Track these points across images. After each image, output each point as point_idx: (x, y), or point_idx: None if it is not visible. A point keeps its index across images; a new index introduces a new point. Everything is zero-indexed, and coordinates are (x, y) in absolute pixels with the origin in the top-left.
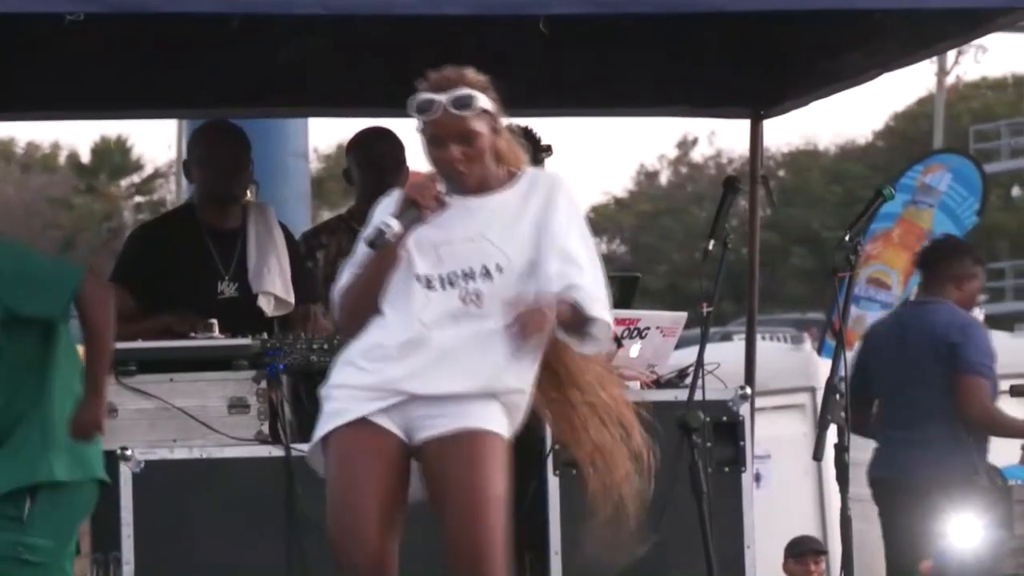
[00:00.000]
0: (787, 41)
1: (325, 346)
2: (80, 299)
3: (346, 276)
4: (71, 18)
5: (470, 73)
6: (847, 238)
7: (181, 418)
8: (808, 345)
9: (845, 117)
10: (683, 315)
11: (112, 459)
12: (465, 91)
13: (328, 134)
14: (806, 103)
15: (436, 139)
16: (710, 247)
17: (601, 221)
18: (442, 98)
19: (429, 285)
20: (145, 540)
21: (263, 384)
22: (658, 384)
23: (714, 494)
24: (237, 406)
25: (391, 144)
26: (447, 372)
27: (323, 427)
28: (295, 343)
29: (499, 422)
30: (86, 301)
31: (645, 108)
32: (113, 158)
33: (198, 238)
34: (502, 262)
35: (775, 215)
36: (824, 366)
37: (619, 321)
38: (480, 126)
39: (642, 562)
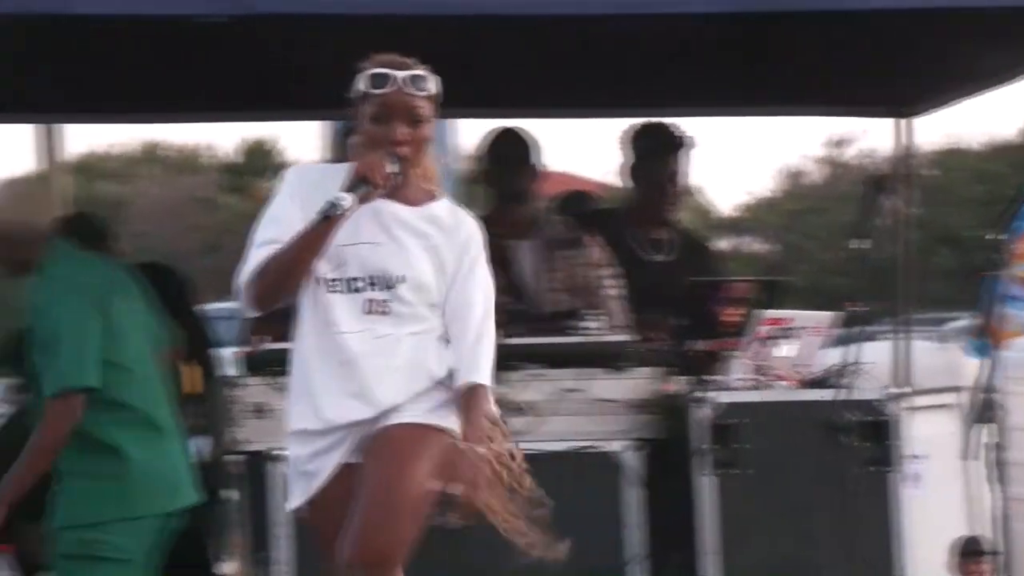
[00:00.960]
0: (934, 41)
1: None
2: (45, 405)
3: (264, 252)
4: (215, 21)
5: (414, 62)
6: (991, 237)
7: None
8: (954, 344)
9: (992, 116)
10: (831, 315)
11: (261, 459)
12: (423, 72)
13: (473, 134)
14: (952, 103)
15: (381, 114)
16: (855, 246)
17: (745, 220)
18: (399, 75)
19: (331, 288)
20: (300, 539)
21: None
22: (807, 384)
23: (862, 495)
24: None
25: (518, 143)
26: (378, 388)
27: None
28: None
29: (435, 411)
30: (46, 413)
31: (791, 107)
32: (259, 159)
33: None
34: (407, 275)
35: (920, 214)
36: (970, 365)
37: (768, 321)
38: (428, 111)
39: (791, 563)
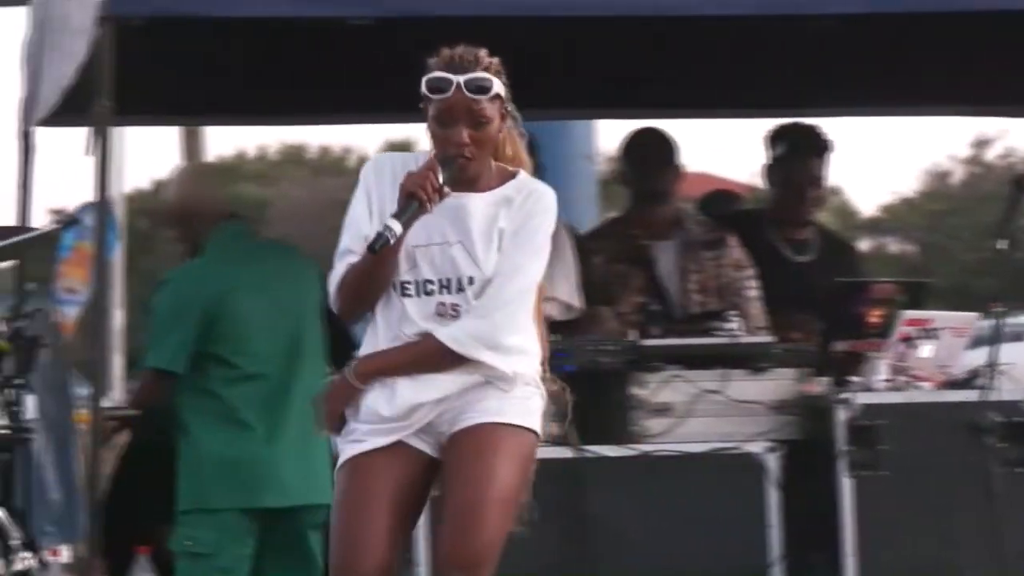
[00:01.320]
0: None
1: (613, 348)
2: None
3: (343, 265)
4: (358, 22)
5: (484, 54)
6: None
7: None
8: None
9: None
10: (974, 315)
11: None
12: (482, 74)
13: (615, 135)
14: None
15: (444, 117)
16: (999, 247)
17: (889, 221)
18: (458, 79)
19: (404, 291)
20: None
21: (553, 386)
22: (949, 385)
23: (1005, 496)
24: None
25: (659, 145)
26: (435, 381)
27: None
28: (583, 345)
29: (522, 410)
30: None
31: (934, 107)
32: None
33: None
34: (476, 276)
35: None
36: None
37: (911, 322)
38: (491, 111)
39: (932, 564)
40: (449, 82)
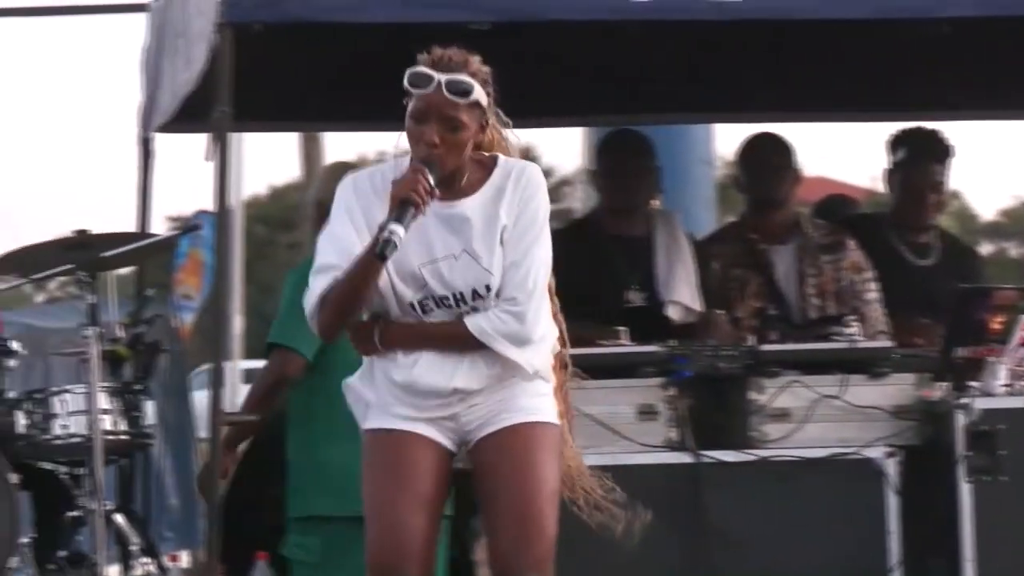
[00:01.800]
0: None
1: (732, 352)
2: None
3: (325, 280)
4: (475, 27)
5: (475, 61)
6: None
7: (591, 425)
8: None
9: None
10: None
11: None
12: (464, 77)
13: (733, 140)
14: None
15: (420, 114)
16: None
17: (1009, 225)
18: (439, 77)
19: (424, 310)
20: (556, 545)
21: (671, 391)
22: None
23: None
24: (646, 413)
25: (775, 150)
26: (459, 370)
27: (375, 422)
28: (702, 350)
29: (547, 406)
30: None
31: None
32: None
33: (605, 247)
34: (491, 282)
35: None
36: None
37: None
38: (468, 118)
39: None
40: (430, 79)
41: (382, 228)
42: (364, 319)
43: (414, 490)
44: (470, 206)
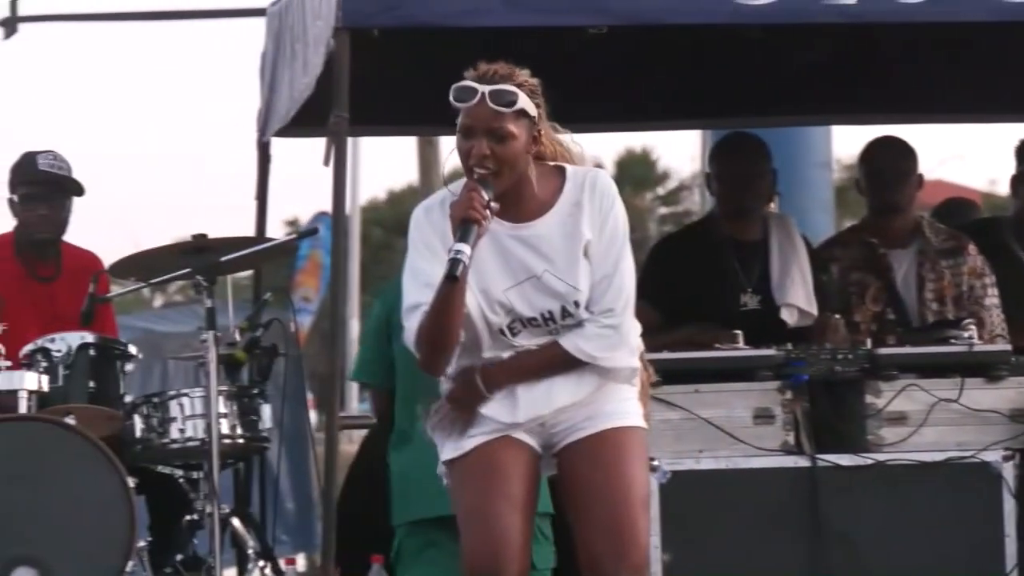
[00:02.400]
0: None
1: (849, 356)
2: None
3: (416, 318)
4: (593, 31)
5: (521, 73)
6: None
7: (706, 428)
8: None
9: None
10: None
11: None
12: (508, 87)
13: (851, 143)
14: None
15: (467, 129)
16: None
17: None
18: (483, 88)
19: (512, 333)
20: (671, 549)
21: (788, 394)
22: None
23: None
24: (762, 416)
25: (896, 155)
26: (562, 387)
27: (457, 444)
28: (818, 353)
29: (634, 409)
30: None
31: None
32: (638, 170)
33: (720, 250)
34: (579, 298)
35: None
36: None
37: None
38: (516, 128)
39: None
40: (474, 92)
41: (448, 251)
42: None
43: (508, 493)
44: (547, 224)
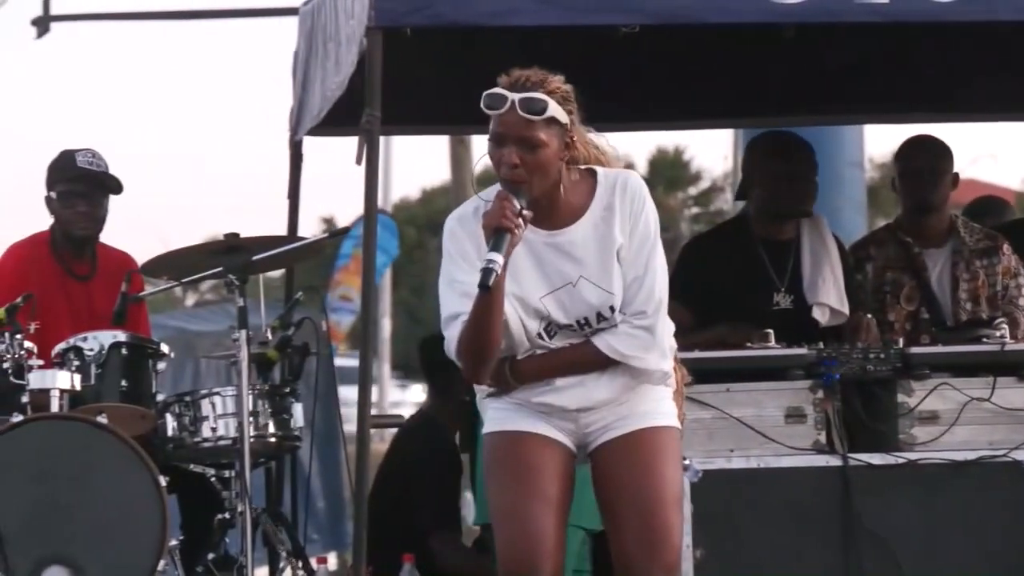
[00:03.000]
0: None
1: (881, 355)
2: None
3: (456, 327)
4: (625, 30)
5: (554, 80)
6: None
7: (738, 427)
8: None
9: None
10: None
11: None
12: (539, 95)
13: (884, 142)
14: None
15: (498, 137)
16: None
17: None
18: (513, 96)
19: (549, 335)
20: (703, 548)
21: (819, 394)
22: None
23: None
24: (793, 415)
25: (932, 154)
26: (598, 384)
27: (496, 426)
28: (850, 352)
29: (668, 410)
30: None
31: None
32: (670, 169)
33: (752, 249)
34: (614, 303)
35: None
36: None
37: None
38: (546, 136)
39: None
40: (504, 99)
41: (481, 261)
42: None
43: (543, 492)
44: (581, 230)
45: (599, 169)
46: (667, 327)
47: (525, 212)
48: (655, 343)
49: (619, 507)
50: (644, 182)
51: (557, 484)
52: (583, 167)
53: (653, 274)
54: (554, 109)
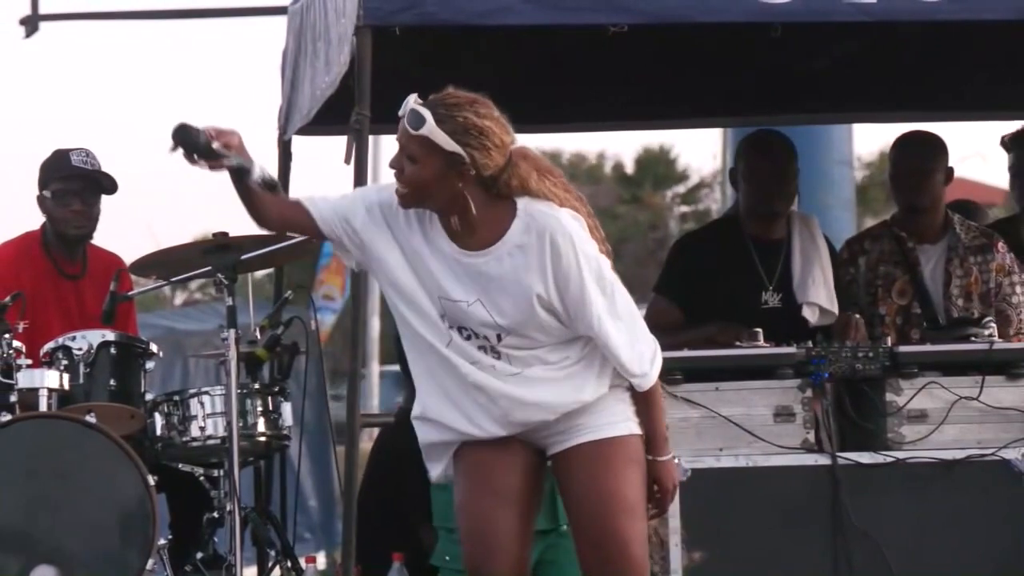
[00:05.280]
0: None
1: (869, 354)
2: None
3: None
4: (614, 29)
5: (470, 112)
6: None
7: (727, 426)
8: None
9: None
10: None
11: None
12: (422, 111)
13: (872, 140)
14: None
15: (398, 143)
16: None
17: None
18: (413, 106)
19: (463, 336)
20: (692, 547)
21: (808, 392)
22: None
23: None
24: (782, 414)
25: (924, 153)
26: (532, 407)
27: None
28: (839, 351)
29: (620, 416)
30: None
31: None
32: (657, 168)
33: (742, 248)
34: (503, 323)
35: None
36: None
37: None
38: (421, 153)
39: None
40: (406, 106)
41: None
42: None
43: (496, 486)
44: (490, 259)
45: (521, 204)
46: (634, 334)
47: (215, 154)
48: (647, 368)
49: (574, 519)
50: (573, 224)
51: (515, 476)
52: (512, 198)
53: (606, 336)
54: (433, 132)
